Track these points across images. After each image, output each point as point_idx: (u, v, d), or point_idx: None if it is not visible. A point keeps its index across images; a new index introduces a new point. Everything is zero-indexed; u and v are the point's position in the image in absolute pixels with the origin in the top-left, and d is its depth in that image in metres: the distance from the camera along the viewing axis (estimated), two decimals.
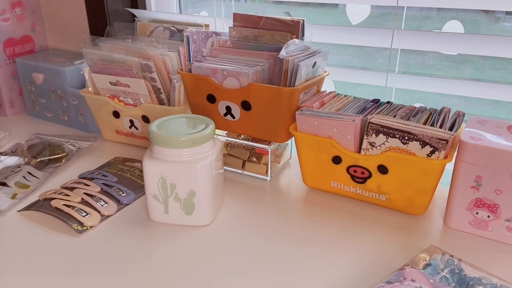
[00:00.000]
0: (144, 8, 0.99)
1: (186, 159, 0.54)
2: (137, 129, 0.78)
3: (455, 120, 0.58)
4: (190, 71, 0.68)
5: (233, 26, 0.72)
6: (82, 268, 0.50)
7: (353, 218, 0.59)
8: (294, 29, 0.68)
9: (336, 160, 0.60)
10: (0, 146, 0.80)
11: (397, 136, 0.54)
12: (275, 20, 0.69)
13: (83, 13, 0.98)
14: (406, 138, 0.54)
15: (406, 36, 0.69)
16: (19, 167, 0.70)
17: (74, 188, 0.63)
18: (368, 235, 0.55)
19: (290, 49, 0.63)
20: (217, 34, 0.72)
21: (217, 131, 0.73)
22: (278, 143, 0.70)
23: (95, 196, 0.61)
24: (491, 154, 0.50)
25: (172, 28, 0.83)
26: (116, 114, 0.78)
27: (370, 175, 0.58)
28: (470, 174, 0.52)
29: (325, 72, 0.71)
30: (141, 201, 0.63)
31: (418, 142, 0.53)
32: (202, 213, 0.56)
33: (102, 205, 0.60)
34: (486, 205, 0.52)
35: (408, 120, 0.57)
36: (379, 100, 0.64)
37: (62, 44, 1.04)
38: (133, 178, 0.68)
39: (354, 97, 0.66)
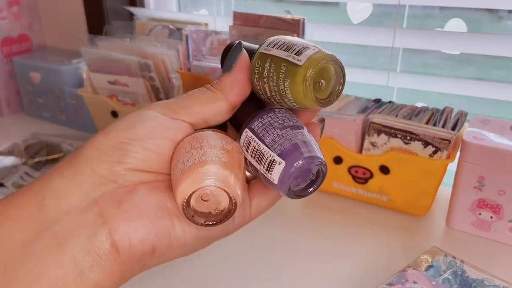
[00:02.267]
0: (143, 6, 0.98)
1: None
2: None
3: (457, 120, 0.57)
4: (189, 70, 0.67)
5: (233, 24, 0.72)
6: None
7: (354, 219, 0.58)
8: (295, 27, 0.67)
9: (337, 160, 0.59)
10: None
11: (399, 136, 0.54)
12: (275, 18, 0.68)
13: (81, 12, 0.97)
14: (408, 138, 0.53)
15: (408, 35, 0.68)
16: (16, 167, 0.69)
17: None
18: (369, 236, 0.55)
19: None
20: (216, 33, 0.72)
21: None
22: None
23: None
24: (494, 154, 0.49)
25: (171, 27, 0.82)
26: (114, 114, 0.77)
27: (371, 176, 0.58)
28: (472, 174, 0.51)
29: None
30: None
31: (420, 142, 0.53)
32: None
33: None
34: (489, 205, 0.52)
35: (410, 120, 0.56)
36: (381, 99, 0.64)
37: (60, 43, 1.03)
38: None
39: (355, 97, 0.66)
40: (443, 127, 0.55)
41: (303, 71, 0.22)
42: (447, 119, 0.57)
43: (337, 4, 0.84)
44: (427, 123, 0.56)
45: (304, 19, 0.67)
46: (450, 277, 0.43)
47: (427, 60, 0.79)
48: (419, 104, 0.62)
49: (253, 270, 0.49)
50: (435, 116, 0.57)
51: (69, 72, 0.86)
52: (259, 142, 0.23)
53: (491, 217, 0.52)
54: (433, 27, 0.76)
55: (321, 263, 0.50)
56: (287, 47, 0.23)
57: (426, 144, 0.53)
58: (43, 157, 0.73)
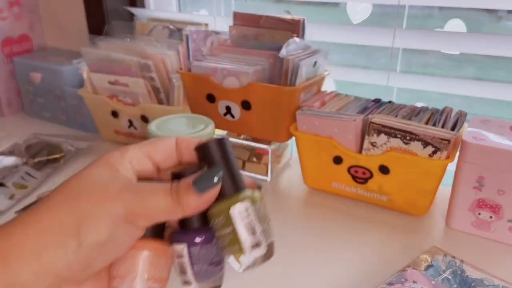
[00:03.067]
0: (143, 6, 0.98)
1: None
2: (136, 129, 0.77)
3: (457, 120, 0.57)
4: (189, 70, 0.67)
5: (233, 25, 0.72)
6: None
7: (354, 219, 0.58)
8: (295, 28, 0.67)
9: (337, 160, 0.59)
10: None
11: (398, 136, 0.54)
12: (275, 19, 0.68)
13: (81, 12, 0.97)
14: (408, 138, 0.53)
15: (408, 35, 0.68)
16: (17, 167, 0.69)
17: None
18: (369, 236, 0.55)
19: (290, 48, 0.63)
20: (217, 33, 0.72)
21: (217, 131, 0.72)
22: (278, 143, 0.69)
23: None
24: (493, 154, 0.49)
25: (171, 27, 0.82)
26: (115, 114, 0.77)
27: (371, 176, 0.58)
28: (472, 174, 0.51)
29: (326, 71, 0.70)
30: None
31: (420, 142, 0.53)
32: None
33: None
34: (489, 205, 0.52)
35: (409, 120, 0.56)
36: (381, 99, 0.64)
37: (60, 43, 1.03)
38: None
39: (355, 97, 0.66)
40: (442, 127, 0.55)
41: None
42: (447, 119, 0.57)
43: (337, 4, 0.84)
44: (426, 123, 0.56)
45: (304, 19, 0.67)
46: (450, 277, 0.43)
47: (427, 60, 0.79)
48: (419, 104, 0.62)
49: (252, 270, 0.49)
50: (435, 116, 0.57)
51: (70, 72, 0.86)
52: (188, 266, 0.29)
53: (491, 217, 0.52)
54: (433, 27, 0.76)
55: (320, 262, 0.50)
56: (251, 231, 0.28)
57: (425, 144, 0.53)
58: (43, 157, 0.73)
